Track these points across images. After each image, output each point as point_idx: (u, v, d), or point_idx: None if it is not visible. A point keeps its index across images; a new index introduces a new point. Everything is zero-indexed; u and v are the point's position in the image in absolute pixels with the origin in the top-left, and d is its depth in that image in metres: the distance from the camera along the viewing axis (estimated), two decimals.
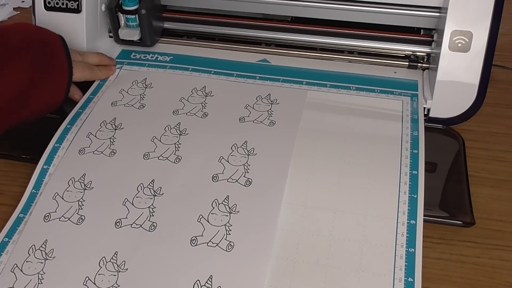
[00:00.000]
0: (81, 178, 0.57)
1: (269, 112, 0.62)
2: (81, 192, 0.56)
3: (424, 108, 0.64)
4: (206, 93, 0.66)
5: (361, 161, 0.57)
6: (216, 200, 0.53)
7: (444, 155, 0.62)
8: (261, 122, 0.61)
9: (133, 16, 0.72)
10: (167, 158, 0.58)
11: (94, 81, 0.69)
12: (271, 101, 0.64)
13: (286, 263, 0.49)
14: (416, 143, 0.58)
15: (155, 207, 0.54)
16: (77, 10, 0.71)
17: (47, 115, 0.64)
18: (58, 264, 0.50)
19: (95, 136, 0.61)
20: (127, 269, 0.49)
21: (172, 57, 0.73)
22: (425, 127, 0.60)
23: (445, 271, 0.51)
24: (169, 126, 0.61)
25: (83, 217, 0.53)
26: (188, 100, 0.65)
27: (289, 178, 0.55)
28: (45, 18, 0.72)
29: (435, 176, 0.58)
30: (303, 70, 0.70)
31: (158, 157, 0.58)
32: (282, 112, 0.62)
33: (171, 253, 0.50)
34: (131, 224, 0.52)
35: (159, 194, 0.55)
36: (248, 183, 0.55)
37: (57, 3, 0.71)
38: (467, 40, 0.62)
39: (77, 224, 0.53)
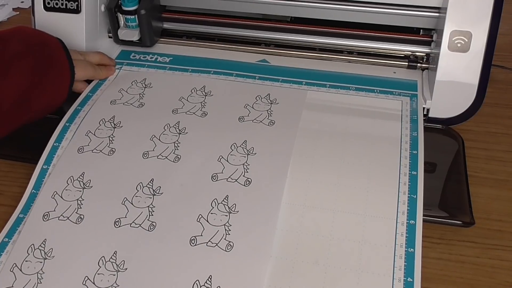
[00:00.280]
0: (80, 177, 0.57)
1: (269, 112, 0.62)
2: (80, 191, 0.55)
3: (424, 108, 0.64)
4: (205, 93, 0.66)
5: (360, 161, 0.57)
6: (215, 200, 0.53)
7: (444, 155, 0.62)
8: (261, 121, 0.61)
9: (132, 17, 0.72)
10: (166, 157, 0.58)
11: (93, 80, 0.69)
12: (270, 101, 0.64)
13: (286, 263, 0.49)
14: (415, 143, 0.58)
15: (154, 207, 0.53)
16: (77, 11, 0.71)
17: (46, 116, 0.64)
18: (57, 264, 0.50)
19: (94, 135, 0.61)
20: (126, 268, 0.49)
21: (171, 58, 0.73)
22: (424, 127, 0.60)
23: (445, 271, 0.51)
24: (168, 125, 0.61)
25: (82, 216, 0.53)
26: (187, 100, 0.65)
27: (289, 178, 0.55)
28: (44, 19, 0.72)
29: (435, 176, 0.58)
30: (303, 70, 0.70)
31: (157, 156, 0.58)
32: (281, 112, 0.62)
33: (171, 253, 0.50)
34: (131, 224, 0.52)
35: (158, 193, 0.55)
36: (247, 182, 0.55)
37: (57, 4, 0.71)
38: (467, 40, 0.62)
39: (76, 223, 0.53)
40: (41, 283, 0.49)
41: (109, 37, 0.76)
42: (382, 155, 0.57)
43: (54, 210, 0.54)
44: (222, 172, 0.56)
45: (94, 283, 0.48)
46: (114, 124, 0.62)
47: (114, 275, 0.49)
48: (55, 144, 0.60)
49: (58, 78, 0.63)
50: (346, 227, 0.51)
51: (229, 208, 0.53)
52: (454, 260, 0.52)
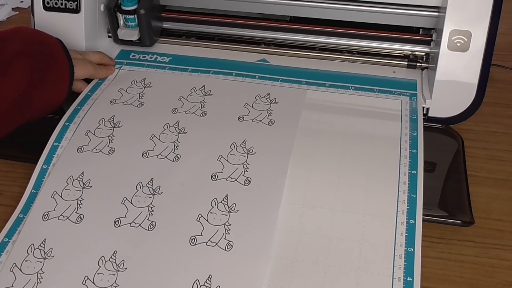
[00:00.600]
0: (80, 176, 0.57)
1: (268, 111, 0.62)
2: (80, 190, 0.55)
3: (423, 107, 0.64)
4: (205, 92, 0.66)
5: (360, 161, 0.57)
6: (215, 199, 0.53)
7: (443, 154, 0.62)
8: (260, 121, 0.61)
9: (132, 16, 0.72)
10: (166, 156, 0.58)
11: (92, 79, 0.69)
12: (270, 100, 0.64)
13: (285, 263, 0.49)
14: (415, 142, 0.58)
15: (154, 206, 0.53)
16: (76, 10, 0.71)
17: (46, 115, 0.64)
18: (57, 263, 0.50)
19: (94, 134, 0.61)
20: (126, 268, 0.49)
21: (171, 58, 0.73)
22: (424, 126, 0.60)
23: (445, 271, 0.51)
24: (168, 124, 0.61)
25: (82, 216, 0.53)
26: (187, 99, 0.65)
27: (288, 177, 0.55)
28: (44, 18, 0.72)
29: (434, 176, 0.58)
30: (302, 69, 0.70)
31: (157, 155, 0.58)
32: (281, 111, 0.62)
33: (170, 252, 0.50)
34: (130, 223, 0.52)
35: (158, 193, 0.55)
36: (247, 182, 0.55)
37: (56, 3, 0.71)
38: (466, 40, 0.62)
39: (76, 223, 0.53)
40: (41, 282, 0.49)
41: (109, 36, 0.76)
42: (381, 155, 0.57)
43: (54, 210, 0.54)
44: (221, 172, 0.56)
45: (94, 282, 0.48)
46: (114, 124, 0.62)
47: (114, 274, 0.49)
48: (54, 144, 0.60)
49: (58, 77, 0.63)
50: (345, 226, 0.51)
51: (228, 207, 0.53)
52: (454, 259, 0.52)
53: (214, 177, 0.55)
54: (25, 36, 0.62)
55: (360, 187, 0.54)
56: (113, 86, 0.68)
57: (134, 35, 0.73)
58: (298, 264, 0.49)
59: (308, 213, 0.53)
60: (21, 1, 1.02)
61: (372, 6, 0.69)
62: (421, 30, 0.72)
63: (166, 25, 0.77)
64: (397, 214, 0.52)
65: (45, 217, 0.54)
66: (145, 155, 0.58)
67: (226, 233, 0.51)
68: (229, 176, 0.55)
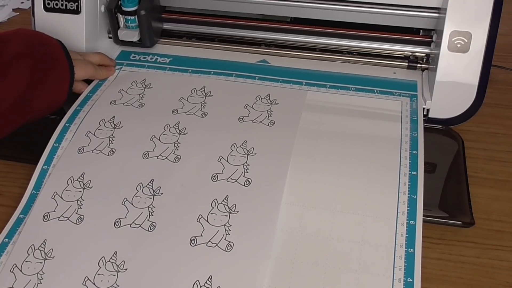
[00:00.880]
0: (80, 177, 0.57)
1: (269, 112, 0.62)
2: (80, 191, 0.55)
3: (424, 108, 0.64)
4: (205, 93, 0.66)
5: (360, 162, 0.57)
6: (215, 200, 0.53)
7: (444, 155, 0.62)
8: (261, 122, 0.61)
9: (132, 17, 0.72)
10: (166, 157, 0.58)
11: (92, 80, 0.69)
12: (270, 101, 0.64)
13: (286, 264, 0.49)
14: (415, 143, 0.58)
15: (154, 207, 0.53)
16: (77, 11, 0.71)
17: (46, 116, 0.64)
18: (58, 264, 0.50)
19: (94, 135, 0.61)
20: (126, 269, 0.49)
21: (171, 59, 0.73)
22: (424, 127, 0.60)
23: (445, 272, 0.51)
24: (168, 125, 0.61)
25: (82, 217, 0.53)
26: (187, 100, 0.65)
27: (289, 178, 0.55)
28: (44, 19, 0.72)
29: (435, 177, 0.58)
30: (303, 70, 0.70)
31: (158, 156, 0.58)
32: (281, 112, 0.62)
33: (171, 253, 0.50)
34: (131, 224, 0.52)
35: (158, 193, 0.55)
36: (247, 183, 0.55)
37: (57, 4, 0.71)
38: (466, 41, 0.62)
39: (76, 223, 0.53)
40: (41, 283, 0.49)
41: (109, 37, 0.76)
42: (382, 156, 0.57)
43: (54, 211, 0.54)
44: (222, 172, 0.56)
45: (94, 283, 0.48)
46: (114, 125, 0.62)
47: (114, 275, 0.49)
48: (55, 145, 0.60)
49: (58, 78, 0.63)
50: (346, 227, 0.51)
51: (229, 208, 0.53)
52: (454, 260, 0.52)
53: (214, 178, 0.55)
54: (25, 38, 0.62)
55: (360, 188, 0.54)
56: (113, 87, 0.68)
57: (134, 36, 0.73)
58: (298, 265, 0.49)
59: (308, 214, 0.53)
60: (22, 2, 1.02)
61: (372, 7, 0.69)
62: (421, 31, 0.72)
63: (166, 26, 0.77)
64: (397, 215, 0.52)
65: (46, 217, 0.54)
66: (145, 156, 0.58)
67: (226, 234, 0.51)
68: (229, 177, 0.55)
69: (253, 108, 0.63)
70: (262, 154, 0.57)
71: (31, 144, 0.64)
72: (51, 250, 0.51)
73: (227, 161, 0.57)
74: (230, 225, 0.51)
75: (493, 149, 0.63)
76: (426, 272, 0.49)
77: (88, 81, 0.69)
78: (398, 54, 0.71)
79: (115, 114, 0.63)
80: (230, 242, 0.50)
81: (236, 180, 0.55)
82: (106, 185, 0.56)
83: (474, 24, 0.61)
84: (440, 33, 0.64)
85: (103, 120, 0.63)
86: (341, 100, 0.65)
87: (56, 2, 0.71)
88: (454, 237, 0.54)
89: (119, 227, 0.52)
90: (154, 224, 0.52)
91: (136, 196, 0.54)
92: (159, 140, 0.60)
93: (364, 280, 0.48)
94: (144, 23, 0.72)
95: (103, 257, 0.50)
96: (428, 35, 0.70)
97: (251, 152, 0.58)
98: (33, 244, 0.51)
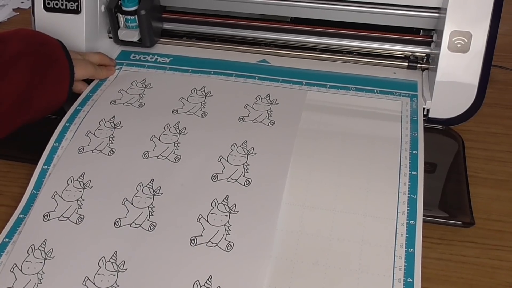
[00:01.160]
0: (80, 177, 0.57)
1: (269, 112, 0.62)
2: (80, 191, 0.55)
3: (424, 108, 0.64)
4: (205, 93, 0.66)
5: (360, 162, 0.57)
6: (215, 200, 0.53)
7: (444, 155, 0.62)
8: (261, 121, 0.61)
9: (132, 17, 0.72)
10: (166, 157, 0.58)
11: (93, 80, 0.69)
12: (270, 101, 0.64)
13: (286, 264, 0.49)
14: (415, 143, 0.58)
15: (154, 207, 0.53)
16: (77, 11, 0.71)
17: (46, 116, 0.64)
18: (58, 264, 0.50)
19: (94, 135, 0.61)
20: (126, 269, 0.49)
21: (171, 59, 0.73)
22: (424, 127, 0.60)
23: (445, 272, 0.51)
24: (168, 125, 0.61)
25: (82, 217, 0.53)
26: (187, 100, 0.65)
27: (289, 178, 0.55)
28: (44, 19, 0.72)
29: (435, 177, 0.58)
30: (303, 70, 0.70)
31: (158, 156, 0.58)
32: (281, 112, 0.62)
33: (171, 253, 0.50)
34: (131, 224, 0.52)
35: (158, 193, 0.55)
36: (247, 182, 0.55)
37: (57, 4, 0.71)
38: (466, 41, 0.62)
39: (76, 223, 0.53)
40: (41, 283, 0.49)
41: (109, 37, 0.76)
42: (382, 155, 0.57)
43: (54, 211, 0.54)
44: (222, 172, 0.56)
45: (94, 283, 0.48)
46: (114, 124, 0.62)
47: (114, 275, 0.49)
48: (55, 144, 0.60)
49: (58, 77, 0.63)
50: (346, 227, 0.51)
51: (229, 208, 0.53)
52: (454, 260, 0.52)
53: (214, 178, 0.55)
54: (25, 37, 0.62)
55: (360, 188, 0.54)
56: (113, 87, 0.68)
57: (134, 36, 0.73)
58: (298, 265, 0.49)
59: (308, 213, 0.52)
60: (22, 2, 1.02)
61: (372, 7, 0.69)
62: (421, 31, 0.72)
63: (166, 26, 0.77)
64: (398, 215, 0.52)
65: (46, 217, 0.54)
66: (145, 155, 0.58)
67: (226, 234, 0.51)
68: (229, 177, 0.55)
69: (253, 108, 0.63)
70: (262, 154, 0.57)
71: (31, 144, 0.64)
72: (51, 250, 0.51)
73: (227, 161, 0.57)
74: (230, 225, 0.51)
75: (493, 149, 0.63)
76: (426, 272, 0.49)
77: (88, 81, 0.69)
78: (398, 54, 0.71)
79: (115, 114, 0.63)
80: (230, 242, 0.50)
81: (236, 180, 0.55)
82: (106, 185, 0.56)
83: (474, 24, 0.61)
84: (440, 33, 0.64)
85: (103, 120, 0.63)
86: (341, 100, 0.65)
87: (56, 2, 0.71)
88: (454, 237, 0.54)
89: (119, 227, 0.52)
90: (154, 224, 0.52)
91: (136, 196, 0.54)
92: (159, 140, 0.60)
93: (364, 280, 0.48)
94: (144, 23, 0.72)
95: (103, 257, 0.50)
96: (428, 35, 0.70)
97: (251, 152, 0.58)
98: (33, 244, 0.51)
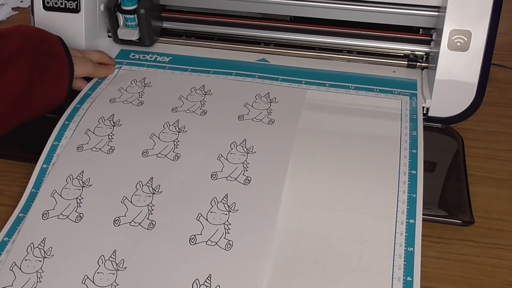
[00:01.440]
0: (79, 175, 0.57)
1: (268, 111, 0.62)
2: (80, 189, 0.55)
3: (423, 107, 0.64)
4: (205, 92, 0.66)
5: (360, 161, 0.57)
6: (215, 199, 0.53)
7: (443, 154, 0.62)
8: (260, 120, 0.61)
9: (132, 16, 0.72)
10: (165, 155, 0.58)
11: (92, 78, 0.69)
12: (270, 99, 0.64)
13: (285, 262, 0.49)
14: (415, 142, 0.58)
15: (154, 205, 0.53)
16: (76, 10, 0.71)
17: (45, 115, 0.64)
18: (57, 263, 0.50)
19: (93, 133, 0.61)
20: (125, 267, 0.49)
21: (171, 58, 0.73)
22: (424, 126, 0.60)
23: (444, 270, 0.51)
24: (168, 123, 0.61)
25: (81, 215, 0.53)
26: (187, 98, 0.65)
27: (288, 177, 0.55)
28: (43, 18, 0.72)
29: (434, 175, 0.58)
30: (302, 69, 0.70)
31: (157, 154, 0.58)
32: (281, 111, 0.62)
33: (170, 251, 0.50)
34: (130, 222, 0.52)
35: (158, 192, 0.55)
36: (247, 181, 0.55)
37: (56, 3, 0.71)
38: (466, 39, 0.62)
39: (75, 222, 0.53)
40: (40, 282, 0.49)
41: (109, 36, 0.76)
42: (381, 154, 0.57)
43: (54, 209, 0.54)
44: (221, 171, 0.56)
45: (93, 282, 0.48)
46: (114, 123, 0.62)
47: (114, 274, 0.49)
48: (54, 143, 0.60)
49: (58, 74, 0.62)
50: (345, 226, 0.51)
51: (228, 206, 0.53)
52: (454, 259, 0.52)
53: (214, 176, 0.55)
54: (25, 34, 0.62)
55: (360, 186, 0.54)
56: (113, 85, 0.68)
57: (134, 35, 0.73)
58: (298, 264, 0.49)
59: (308, 212, 0.52)
60: (21, 1, 1.02)
61: (372, 6, 0.69)
62: (421, 29, 0.72)
63: (166, 25, 0.77)
64: (397, 213, 0.52)
65: (45, 216, 0.53)
66: (145, 154, 0.58)
67: (225, 233, 0.51)
68: (229, 175, 0.55)
69: (252, 106, 0.63)
70: (261, 152, 0.57)
71: (31, 143, 0.64)
72: (50, 249, 0.51)
73: (227, 160, 0.57)
74: (230, 224, 0.51)
75: (492, 148, 0.63)
76: (425, 271, 0.49)
77: (88, 79, 0.69)
78: (397, 53, 0.71)
79: (114, 112, 0.63)
80: (229, 240, 0.50)
81: (235, 179, 0.55)
82: (106, 183, 0.56)
83: (474, 23, 0.61)
84: (440, 32, 0.64)
85: (103, 118, 0.63)
86: (341, 99, 0.65)
87: (56, 0, 0.71)
88: (454, 235, 0.54)
89: (119, 225, 0.52)
90: (153, 222, 0.52)
91: (136, 195, 0.54)
92: (159, 138, 0.60)
93: (363, 279, 0.48)
94: (143, 22, 0.72)
95: (103, 255, 0.50)
96: (428, 34, 0.70)
97: (250, 150, 0.58)
98: (32, 243, 0.51)
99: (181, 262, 0.49)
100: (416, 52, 0.70)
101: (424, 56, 0.70)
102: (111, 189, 0.55)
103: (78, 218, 0.53)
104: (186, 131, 0.60)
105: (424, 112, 0.64)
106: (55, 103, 0.64)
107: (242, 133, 0.59)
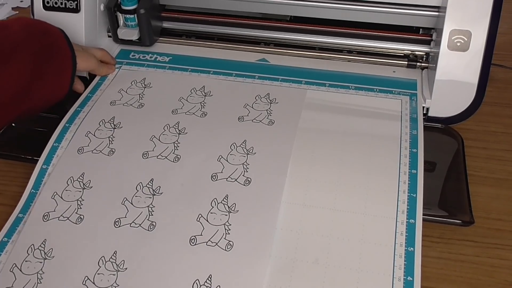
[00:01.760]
0: (80, 177, 0.57)
1: (268, 111, 0.62)
2: (80, 191, 0.55)
3: (423, 107, 0.64)
4: (205, 93, 0.66)
5: (360, 161, 0.57)
6: (215, 199, 0.53)
7: (443, 154, 0.62)
8: (260, 121, 0.61)
9: (132, 16, 0.72)
10: (166, 157, 0.58)
11: (92, 80, 0.69)
12: (270, 100, 0.64)
13: (286, 263, 0.49)
14: (415, 142, 0.58)
15: (154, 206, 0.54)
16: (76, 10, 0.71)
17: (46, 115, 0.64)
18: (57, 264, 0.50)
19: (94, 135, 0.61)
20: (126, 268, 0.49)
21: (171, 58, 0.73)
22: (424, 126, 0.60)
23: (444, 270, 0.51)
24: (168, 125, 0.61)
25: (82, 217, 0.53)
26: (187, 100, 0.65)
27: (288, 177, 0.55)
28: (43, 18, 0.71)
29: (434, 175, 0.59)
30: (302, 69, 0.70)
31: (157, 156, 0.58)
32: (281, 111, 0.62)
33: (170, 252, 0.50)
34: (130, 224, 0.52)
35: (158, 193, 0.55)
36: (247, 182, 0.55)
37: (56, 3, 0.71)
38: (466, 39, 0.62)
39: (76, 223, 0.53)
40: (41, 283, 0.49)
41: (109, 36, 0.76)
42: (381, 154, 0.57)
43: (54, 211, 0.54)
44: (221, 172, 0.56)
45: (94, 283, 0.48)
46: (114, 125, 0.62)
47: (114, 275, 0.49)
48: (55, 144, 0.60)
49: (60, 67, 0.62)
50: (345, 226, 0.51)
51: (228, 207, 0.53)
52: (454, 259, 0.52)
53: (214, 177, 0.55)
54: (28, 26, 0.61)
55: (360, 186, 0.54)
56: (113, 87, 0.68)
57: (134, 35, 0.73)
58: (298, 264, 0.49)
59: (308, 212, 0.53)
60: (21, 1, 1.02)
61: (372, 5, 0.69)
62: (421, 29, 0.72)
63: (166, 24, 0.77)
64: (397, 213, 0.52)
65: (46, 217, 0.54)
66: (145, 155, 0.58)
67: (226, 233, 0.51)
68: (229, 176, 0.55)
69: (252, 107, 0.63)
70: (261, 153, 0.57)
71: (31, 143, 0.64)
72: (51, 250, 0.51)
73: (227, 161, 0.57)
74: (230, 224, 0.51)
75: (492, 148, 0.63)
76: (426, 270, 0.50)
77: (85, 83, 0.68)
78: (397, 53, 0.71)
79: (115, 114, 0.63)
80: (230, 241, 0.50)
81: (235, 180, 0.55)
82: (106, 185, 0.56)
83: (474, 23, 0.61)
84: (440, 32, 0.64)
85: (103, 121, 0.63)
86: (341, 99, 0.65)
87: (56, 0, 0.71)
88: (454, 235, 0.54)
89: (119, 226, 0.52)
90: (154, 223, 0.52)
91: (136, 196, 0.54)
92: (159, 140, 0.60)
93: (364, 279, 0.48)
94: (143, 22, 0.72)
95: (103, 256, 0.50)
96: (428, 34, 0.70)
97: (250, 151, 0.58)
98: (33, 244, 0.51)
99: (182, 263, 0.49)
100: (416, 52, 0.70)
101: (424, 56, 0.70)
102: (112, 191, 0.55)
103: (79, 220, 0.53)
104: (186, 132, 0.60)
105: (424, 112, 0.64)
106: (57, 97, 0.63)
107: (242, 134, 0.59)
